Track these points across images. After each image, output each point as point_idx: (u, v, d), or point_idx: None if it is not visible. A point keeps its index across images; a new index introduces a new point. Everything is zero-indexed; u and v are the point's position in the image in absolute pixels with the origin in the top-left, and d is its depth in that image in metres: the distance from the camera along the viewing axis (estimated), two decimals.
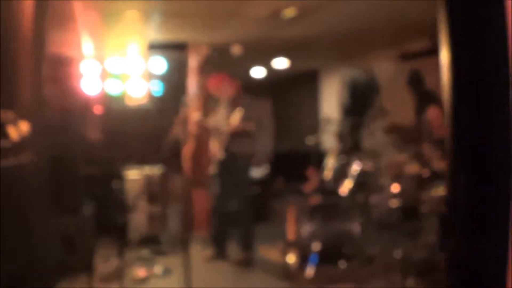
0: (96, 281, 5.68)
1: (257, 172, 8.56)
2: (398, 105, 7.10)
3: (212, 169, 6.05)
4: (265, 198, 7.54)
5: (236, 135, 5.87)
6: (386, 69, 7.98)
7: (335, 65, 9.87)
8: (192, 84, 6.91)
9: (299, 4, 5.03)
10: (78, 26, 5.70)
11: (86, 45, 6.44)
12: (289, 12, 5.20)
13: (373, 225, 5.45)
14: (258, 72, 9.55)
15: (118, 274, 5.75)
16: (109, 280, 5.73)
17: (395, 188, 5.33)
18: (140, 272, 5.90)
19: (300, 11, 5.20)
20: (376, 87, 8.26)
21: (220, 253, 6.05)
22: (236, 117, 5.85)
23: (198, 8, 5.29)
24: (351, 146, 6.08)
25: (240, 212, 6.25)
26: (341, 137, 7.10)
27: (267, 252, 6.22)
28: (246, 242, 6.13)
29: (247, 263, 6.02)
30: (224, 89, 6.04)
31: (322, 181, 5.61)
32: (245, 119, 5.85)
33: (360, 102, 8.36)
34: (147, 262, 6.27)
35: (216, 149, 6.02)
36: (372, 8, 5.30)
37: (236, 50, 6.90)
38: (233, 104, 5.97)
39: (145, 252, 6.58)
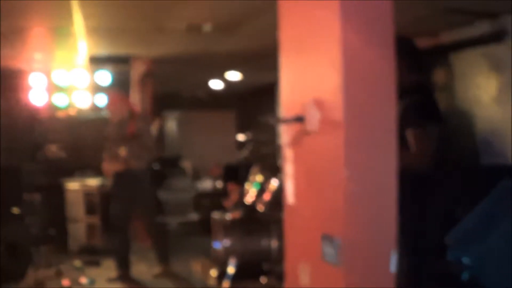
0: None
1: (207, 184, 8.59)
2: None
3: (109, 186, 5.99)
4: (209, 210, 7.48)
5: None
6: None
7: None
8: (135, 95, 6.97)
9: (215, 19, 5.01)
10: (27, 41, 5.79)
11: (35, 59, 6.57)
12: (206, 27, 5.19)
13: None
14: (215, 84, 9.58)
15: (44, 283, 5.78)
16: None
17: None
18: (65, 282, 5.89)
19: (215, 25, 5.17)
20: None
21: (122, 271, 5.99)
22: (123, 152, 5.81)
23: (132, 23, 5.30)
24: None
25: (149, 226, 6.21)
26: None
27: (195, 266, 6.20)
28: (160, 255, 6.10)
29: (163, 276, 6.01)
30: (115, 108, 6.00)
31: (242, 196, 5.55)
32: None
33: None
34: (78, 272, 6.27)
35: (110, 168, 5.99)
36: None
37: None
38: (126, 122, 5.91)
39: (77, 262, 6.58)
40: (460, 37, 5.26)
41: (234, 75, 8.78)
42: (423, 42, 5.54)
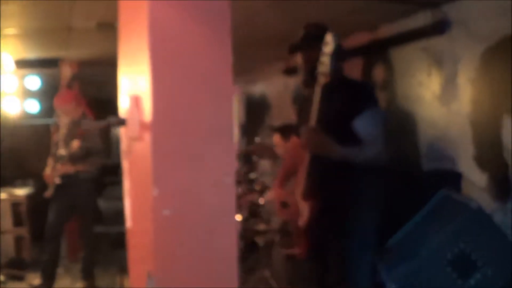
0: None
1: None
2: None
3: (49, 192, 5.51)
4: None
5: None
6: (274, 86, 7.44)
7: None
8: None
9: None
10: None
11: None
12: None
13: None
14: None
15: None
16: None
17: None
18: None
19: None
20: (267, 104, 7.77)
21: (46, 283, 5.50)
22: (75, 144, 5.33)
23: (43, 24, 4.85)
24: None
25: (84, 237, 5.79)
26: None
27: (121, 281, 5.72)
28: (86, 269, 5.63)
29: None
30: (70, 107, 5.52)
31: None
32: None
33: (255, 120, 7.87)
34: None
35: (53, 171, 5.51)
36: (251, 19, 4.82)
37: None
38: (77, 124, 5.45)
39: (1, 276, 6.08)
40: (399, 30, 4.78)
41: None
42: (360, 37, 5.09)
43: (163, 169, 1.59)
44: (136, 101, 1.75)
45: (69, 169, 5.40)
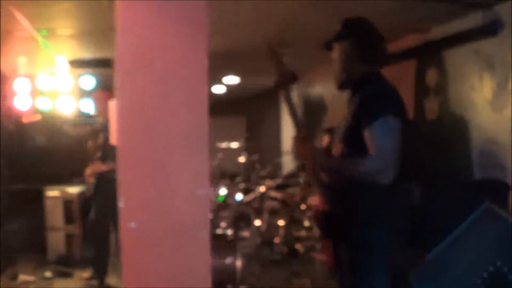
0: None
1: None
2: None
3: (89, 191, 5.56)
4: None
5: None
6: (332, 88, 7.28)
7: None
8: None
9: None
10: (11, 45, 5.53)
11: (18, 63, 6.32)
12: None
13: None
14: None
15: None
16: None
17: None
18: None
19: None
20: (323, 106, 7.60)
21: (98, 276, 5.56)
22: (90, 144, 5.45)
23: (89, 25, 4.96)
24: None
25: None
26: None
27: None
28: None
29: None
30: (102, 107, 5.52)
31: None
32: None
33: (312, 122, 7.73)
34: (46, 283, 5.89)
35: (89, 171, 5.56)
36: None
37: None
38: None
39: (48, 272, 6.18)
40: (451, 32, 4.55)
41: (232, 79, 8.22)
42: (412, 39, 4.90)
43: (130, 179, 1.51)
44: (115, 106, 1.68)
45: (98, 168, 5.43)
